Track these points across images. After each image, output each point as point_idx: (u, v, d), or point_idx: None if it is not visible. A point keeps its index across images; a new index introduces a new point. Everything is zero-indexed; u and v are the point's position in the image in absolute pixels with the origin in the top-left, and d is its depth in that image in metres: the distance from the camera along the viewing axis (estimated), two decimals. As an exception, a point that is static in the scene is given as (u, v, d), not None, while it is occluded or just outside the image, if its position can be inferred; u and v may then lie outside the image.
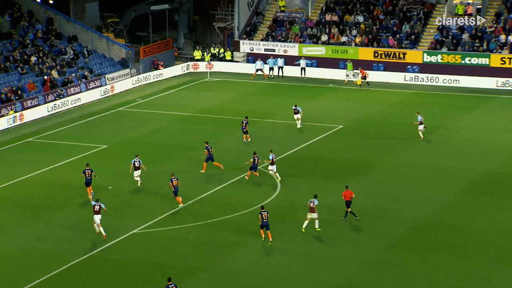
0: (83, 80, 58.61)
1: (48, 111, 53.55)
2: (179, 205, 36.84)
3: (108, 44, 64.50)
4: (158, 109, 55.10)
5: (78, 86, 57.35)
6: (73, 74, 58.72)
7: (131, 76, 62.11)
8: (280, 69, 64.31)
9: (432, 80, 61.75)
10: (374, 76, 62.70)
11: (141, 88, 61.04)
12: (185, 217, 35.50)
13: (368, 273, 30.69)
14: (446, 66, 61.74)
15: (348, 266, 31.30)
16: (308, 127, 50.44)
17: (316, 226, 34.24)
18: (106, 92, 58.66)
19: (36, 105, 53.35)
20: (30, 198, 37.73)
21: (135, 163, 38.85)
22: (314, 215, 34.13)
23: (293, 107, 49.63)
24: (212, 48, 68.10)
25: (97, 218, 33.53)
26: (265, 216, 33.03)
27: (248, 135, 46.11)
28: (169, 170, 42.13)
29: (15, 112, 51.39)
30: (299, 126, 49.19)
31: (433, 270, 30.83)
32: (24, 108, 52.36)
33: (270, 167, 40.39)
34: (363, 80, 60.54)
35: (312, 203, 34.12)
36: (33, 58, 58.12)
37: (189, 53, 69.54)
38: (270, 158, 40.35)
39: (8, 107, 51.46)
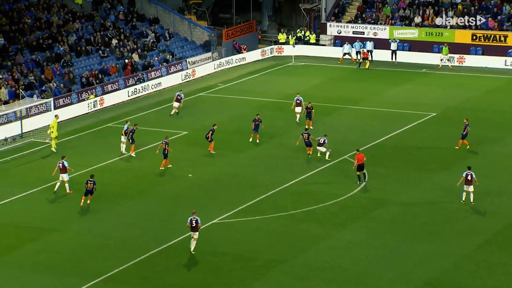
0: (164, 64, 59.42)
1: (129, 96, 54.56)
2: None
3: (190, 27, 65.17)
4: (240, 94, 55.37)
5: (159, 70, 58.20)
6: (154, 58, 59.58)
7: (213, 60, 62.61)
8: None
9: (534, 65, 60.05)
10: (471, 60, 61.35)
11: (223, 72, 61.45)
12: (266, 208, 35.63)
13: (460, 270, 30.13)
14: (551, 50, 59.93)
15: (438, 262, 30.80)
16: (399, 115, 49.80)
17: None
18: (187, 77, 59.33)
19: (116, 89, 54.41)
20: (108, 185, 38.53)
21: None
22: None
23: (295, 99, 47.81)
24: (297, 30, 67.95)
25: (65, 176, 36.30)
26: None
27: (258, 134, 43.99)
28: (251, 158, 42.39)
29: (96, 96, 52.54)
30: (298, 120, 47.48)
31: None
32: (104, 93, 53.48)
33: (318, 148, 41.28)
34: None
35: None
36: (114, 41, 59.26)
37: (273, 36, 69.56)
38: (321, 140, 41.07)
39: (88, 91, 52.66)
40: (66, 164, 37.54)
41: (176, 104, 49.79)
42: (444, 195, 37.25)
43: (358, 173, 38.06)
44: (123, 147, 42.30)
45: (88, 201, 36.36)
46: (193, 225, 31.37)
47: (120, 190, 37.75)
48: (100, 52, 57.77)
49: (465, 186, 35.58)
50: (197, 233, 31.41)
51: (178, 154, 41.39)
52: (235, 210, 35.84)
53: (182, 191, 38.23)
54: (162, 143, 40.18)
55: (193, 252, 31.49)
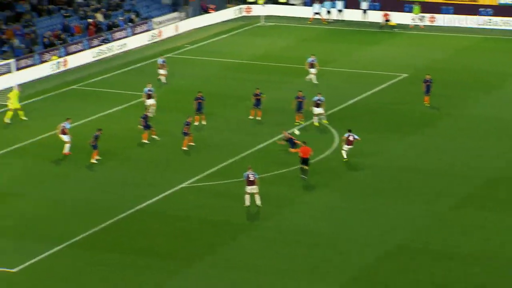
0: (129, 24, 58.86)
1: (93, 57, 54.05)
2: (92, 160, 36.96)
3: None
4: (208, 56, 55.14)
5: (124, 31, 57.65)
6: (119, 18, 58.97)
7: (180, 21, 62.14)
8: (339, 12, 63.53)
9: (508, 24, 60.39)
10: (442, 20, 61.56)
11: (190, 33, 61.06)
12: (236, 171, 35.73)
13: (434, 232, 30.55)
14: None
15: (412, 224, 31.18)
16: (370, 76, 49.96)
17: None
18: (153, 37, 58.87)
19: (80, 50, 53.84)
20: (76, 148, 38.30)
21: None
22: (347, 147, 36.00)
23: (310, 60, 47.72)
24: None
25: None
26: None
27: (259, 110, 42.18)
28: (221, 121, 42.34)
29: (59, 57, 51.94)
30: (314, 81, 47.63)
31: (509, 229, 30.56)
32: (67, 54, 52.90)
33: (315, 110, 40.62)
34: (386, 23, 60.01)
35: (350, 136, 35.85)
36: (78, 0, 58.48)
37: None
38: (315, 99, 40.42)
39: (51, 52, 52.03)
40: (67, 126, 37.64)
41: (162, 72, 48.25)
42: (417, 156, 37.60)
43: (302, 166, 34.81)
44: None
45: (94, 159, 36.53)
46: (250, 179, 31.88)
47: (88, 155, 37.55)
48: (63, 11, 57.01)
49: (345, 146, 36.45)
50: (256, 187, 32.01)
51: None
52: (204, 174, 35.89)
53: (152, 155, 38.13)
54: (185, 125, 38.31)
55: (260, 205, 32.10)
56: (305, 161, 34.78)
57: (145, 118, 39.29)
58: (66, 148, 37.79)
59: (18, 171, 36.43)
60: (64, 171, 36.32)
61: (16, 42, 51.65)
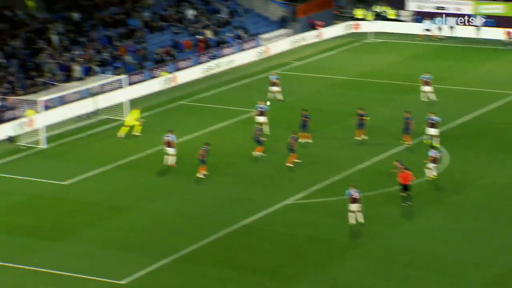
0: (238, 40, 59.62)
1: (202, 73, 54.97)
2: (199, 174, 37.14)
3: (265, 3, 65.09)
4: (315, 72, 55.23)
5: (232, 47, 58.41)
6: (228, 34, 59.82)
7: (288, 37, 62.49)
8: (451, 28, 62.53)
9: None
10: None
11: (298, 49, 61.31)
12: (340, 189, 35.52)
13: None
14: None
15: (522, 249, 30.32)
16: (482, 94, 48.95)
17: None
18: (260, 54, 59.41)
19: (189, 66, 54.86)
20: (182, 163, 39.01)
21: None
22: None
23: (424, 77, 47.14)
24: (375, 6, 67.20)
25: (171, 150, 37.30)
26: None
27: (363, 131, 41.34)
28: (326, 138, 42.27)
29: (169, 73, 53.08)
30: (427, 99, 46.93)
31: None
32: (177, 69, 53.98)
33: (430, 130, 39.76)
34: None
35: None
36: (189, 16, 59.63)
37: (350, 12, 68.99)
38: (430, 119, 39.70)
39: (161, 68, 53.22)
40: (173, 138, 38.38)
41: (274, 89, 48.47)
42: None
43: (402, 193, 33.81)
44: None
45: (202, 174, 36.97)
46: (353, 197, 31.93)
47: (195, 169, 38.15)
48: (173, 28, 58.26)
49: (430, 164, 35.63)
50: (359, 205, 32.04)
51: (250, 133, 41.54)
52: (309, 191, 35.88)
53: (257, 170, 38.43)
54: (290, 138, 38.68)
55: (363, 223, 31.97)
56: (405, 187, 34.02)
57: (259, 132, 39.32)
58: (171, 160, 38.45)
59: (127, 184, 37.34)
60: (171, 185, 37.01)
61: (128, 58, 53.14)
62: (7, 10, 53.35)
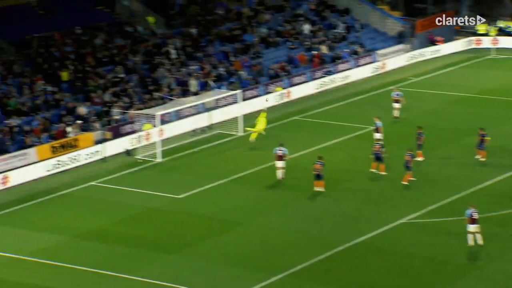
0: (353, 56, 60.05)
1: (316, 89, 55.68)
2: (317, 188, 37.66)
3: (382, 18, 65.31)
4: (433, 88, 55.02)
5: (348, 63, 58.88)
6: (344, 50, 60.30)
7: (405, 52, 62.47)
8: None
9: None
10: None
11: (415, 65, 61.17)
12: (457, 209, 35.44)
13: None
14: None
15: None
16: None
17: None
18: (376, 69, 59.64)
19: (303, 82, 55.66)
20: (295, 178, 39.70)
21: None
22: None
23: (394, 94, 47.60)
24: (499, 21, 66.34)
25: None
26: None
27: (483, 151, 40.98)
28: (443, 156, 42.17)
29: (283, 88, 54.03)
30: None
31: None
32: (291, 85, 54.89)
33: None
34: None
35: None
36: (304, 32, 60.48)
37: (472, 27, 68.27)
38: None
39: (275, 83, 54.21)
40: (284, 151, 39.41)
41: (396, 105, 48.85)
42: None
43: None
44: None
45: (319, 188, 37.73)
46: (473, 218, 32.02)
47: (308, 185, 38.81)
48: (289, 43, 59.18)
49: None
50: (478, 225, 32.03)
51: (365, 150, 41.91)
52: (425, 210, 35.94)
53: (371, 188, 38.75)
54: (407, 155, 38.98)
55: (482, 244, 31.93)
56: None
57: (381, 149, 39.75)
58: (280, 174, 39.34)
59: (240, 198, 38.26)
60: (284, 200, 37.75)
61: (243, 73, 54.43)
62: (128, 26, 55.67)
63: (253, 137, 44.73)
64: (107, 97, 47.95)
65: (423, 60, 62.05)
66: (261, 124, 45.04)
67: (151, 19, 57.73)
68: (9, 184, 40.02)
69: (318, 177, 38.02)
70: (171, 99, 47.93)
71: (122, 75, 50.41)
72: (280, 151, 39.66)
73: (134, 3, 59.35)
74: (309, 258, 31.86)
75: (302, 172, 40.07)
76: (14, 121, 43.77)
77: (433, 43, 64.54)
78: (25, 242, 33.92)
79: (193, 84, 51.26)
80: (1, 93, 45.99)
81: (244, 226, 35.19)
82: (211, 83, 51.39)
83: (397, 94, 49.03)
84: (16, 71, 48.29)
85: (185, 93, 50.33)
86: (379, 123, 43.43)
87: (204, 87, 51.20)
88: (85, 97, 47.77)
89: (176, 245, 33.42)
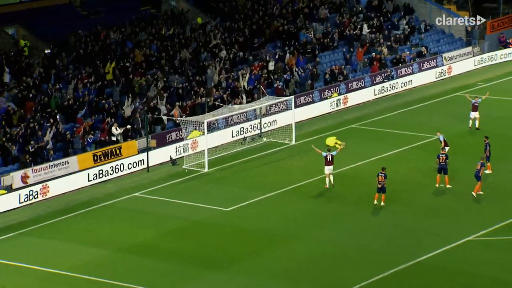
0: (417, 59, 59.27)
1: (375, 94, 55.07)
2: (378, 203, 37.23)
3: (449, 18, 64.40)
4: (503, 95, 54.12)
5: (410, 67, 58.15)
6: (406, 52, 59.56)
7: (473, 56, 61.56)
8: None
9: None
10: None
11: (484, 69, 60.27)
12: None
13: None
14: None
15: None
16: None
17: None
18: (442, 74, 58.83)
19: (361, 87, 55.06)
20: (352, 191, 39.23)
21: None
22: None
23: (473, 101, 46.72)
24: None
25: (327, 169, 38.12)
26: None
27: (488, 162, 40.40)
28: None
29: (339, 94, 53.52)
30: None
31: None
32: (348, 91, 54.32)
33: None
34: None
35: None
36: (363, 33, 59.79)
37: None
38: None
39: (332, 89, 53.66)
40: (332, 154, 39.53)
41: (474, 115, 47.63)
42: None
43: None
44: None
45: (382, 203, 37.37)
46: None
47: (365, 197, 38.34)
48: (347, 46, 58.56)
49: None
50: None
51: (427, 162, 41.18)
52: (494, 227, 35.22)
53: (436, 201, 38.11)
54: (478, 163, 38.25)
55: None
56: None
57: (444, 160, 39.03)
58: (328, 182, 39.32)
59: (291, 211, 37.96)
60: (338, 213, 37.36)
61: (297, 77, 54.03)
62: (177, 26, 55.91)
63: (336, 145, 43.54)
64: (152, 99, 47.74)
65: (493, 64, 61.07)
66: (332, 141, 43.77)
67: (199, 19, 57.84)
68: (48, 195, 40.25)
69: (381, 190, 37.46)
70: (220, 105, 47.65)
71: (169, 76, 50.50)
72: (330, 156, 39.28)
73: (181, 3, 59.54)
74: (365, 276, 31.39)
75: (359, 184, 39.54)
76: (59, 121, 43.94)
77: (505, 45, 63.48)
78: (64, 256, 34.01)
79: (243, 87, 50.98)
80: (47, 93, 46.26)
81: (295, 241, 34.87)
82: (262, 88, 50.77)
83: (474, 101, 47.75)
84: (58, 70, 48.65)
85: (235, 95, 49.93)
86: (441, 137, 42.47)
87: (254, 90, 50.78)
88: (131, 96, 47.47)
89: (223, 261, 33.23)
